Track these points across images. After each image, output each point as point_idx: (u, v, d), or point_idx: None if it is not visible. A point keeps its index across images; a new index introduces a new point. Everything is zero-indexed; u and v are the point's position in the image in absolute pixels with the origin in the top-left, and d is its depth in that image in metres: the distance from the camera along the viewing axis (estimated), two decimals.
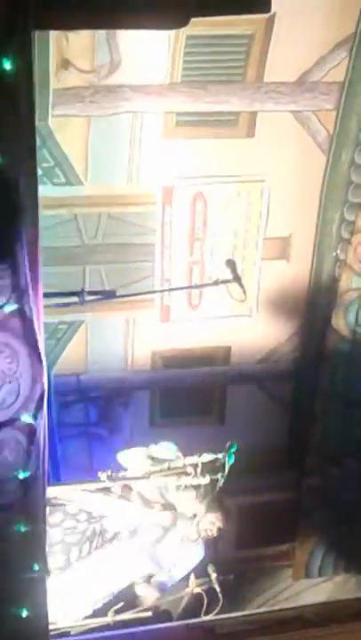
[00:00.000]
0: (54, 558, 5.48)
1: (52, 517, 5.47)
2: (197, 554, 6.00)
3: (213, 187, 6.66)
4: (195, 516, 5.75)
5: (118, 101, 6.02)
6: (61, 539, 5.63)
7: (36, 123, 3.83)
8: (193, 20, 3.87)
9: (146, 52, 5.89)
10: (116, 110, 6.05)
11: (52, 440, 6.67)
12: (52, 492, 5.32)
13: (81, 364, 7.02)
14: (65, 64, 5.83)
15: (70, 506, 5.66)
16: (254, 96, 6.34)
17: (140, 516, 5.73)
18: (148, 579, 5.85)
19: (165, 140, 6.35)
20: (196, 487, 5.74)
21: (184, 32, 5.75)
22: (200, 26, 5.66)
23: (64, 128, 6.05)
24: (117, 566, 5.74)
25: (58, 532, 5.59)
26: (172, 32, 5.70)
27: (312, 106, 6.48)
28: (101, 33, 5.67)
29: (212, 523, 5.87)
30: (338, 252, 7.09)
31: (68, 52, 5.79)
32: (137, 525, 5.74)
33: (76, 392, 7.07)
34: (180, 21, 3.97)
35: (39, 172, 4.32)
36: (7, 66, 3.45)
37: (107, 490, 5.68)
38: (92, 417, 7.25)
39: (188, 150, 6.43)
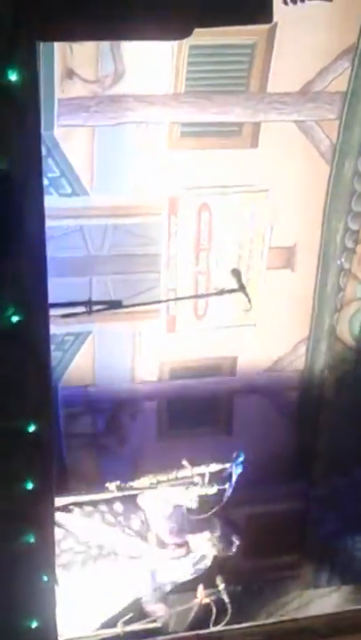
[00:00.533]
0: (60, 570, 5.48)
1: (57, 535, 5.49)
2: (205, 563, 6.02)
3: (218, 197, 6.67)
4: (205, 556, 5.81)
5: (123, 111, 6.04)
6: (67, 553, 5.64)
7: (42, 133, 3.84)
8: (196, 30, 3.89)
9: (150, 62, 5.92)
10: (121, 120, 6.07)
11: (59, 451, 6.68)
12: (59, 501, 5.32)
13: (88, 375, 7.02)
14: (69, 74, 5.86)
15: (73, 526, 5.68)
16: (258, 106, 6.36)
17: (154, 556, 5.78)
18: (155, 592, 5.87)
19: (170, 150, 6.37)
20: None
21: (187, 42, 5.78)
22: (203, 36, 5.70)
23: (69, 138, 6.07)
24: (124, 581, 5.75)
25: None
26: (176, 42, 5.73)
27: (315, 116, 6.49)
28: (105, 43, 5.70)
29: (228, 541, 5.90)
30: (342, 261, 7.09)
31: (73, 62, 5.82)
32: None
33: (83, 403, 7.07)
34: (184, 32, 3.98)
35: (45, 182, 4.35)
36: (13, 77, 3.46)
37: (121, 525, 5.71)
38: (99, 428, 7.24)
39: (193, 161, 6.45)
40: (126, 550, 5.76)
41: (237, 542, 5.95)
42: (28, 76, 3.51)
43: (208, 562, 6.02)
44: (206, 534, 5.91)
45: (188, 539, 5.92)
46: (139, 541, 5.78)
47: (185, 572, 6.00)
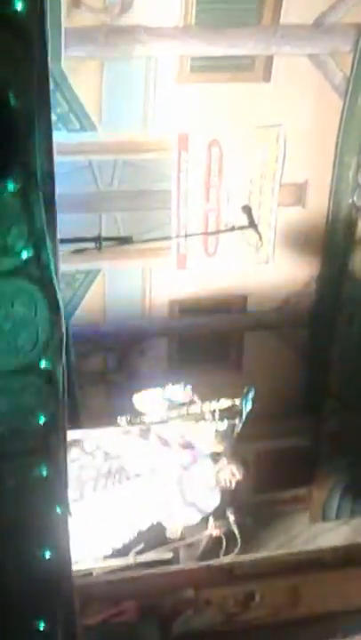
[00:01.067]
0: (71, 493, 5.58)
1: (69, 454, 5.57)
2: (215, 499, 6.09)
3: (229, 133, 6.59)
4: (214, 454, 5.83)
5: (131, 43, 5.93)
6: (77, 475, 5.71)
7: (49, 65, 3.79)
8: None
9: None
10: (130, 52, 5.98)
11: (71, 386, 6.74)
12: (71, 435, 5.39)
13: (99, 312, 7.05)
14: (76, 2, 5.74)
15: (87, 443, 5.74)
16: (270, 39, 6.24)
17: (159, 454, 5.81)
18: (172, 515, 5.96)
19: (180, 85, 6.29)
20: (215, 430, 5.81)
21: None
22: None
23: (77, 71, 5.99)
24: (138, 504, 5.84)
25: (74, 467, 5.66)
26: None
27: (329, 48, 6.37)
28: None
29: (231, 474, 5.95)
30: (354, 198, 7.02)
31: None
32: (156, 464, 5.81)
33: (94, 341, 7.12)
34: None
35: (53, 117, 4.29)
36: (18, 6, 3.39)
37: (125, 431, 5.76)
38: (110, 365, 7.30)
39: (203, 96, 6.36)
40: (131, 453, 5.80)
41: (239, 477, 5.99)
42: (34, 5, 3.44)
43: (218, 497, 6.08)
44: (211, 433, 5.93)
45: (192, 439, 5.95)
46: (141, 441, 5.83)
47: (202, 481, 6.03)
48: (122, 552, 5.89)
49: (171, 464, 5.82)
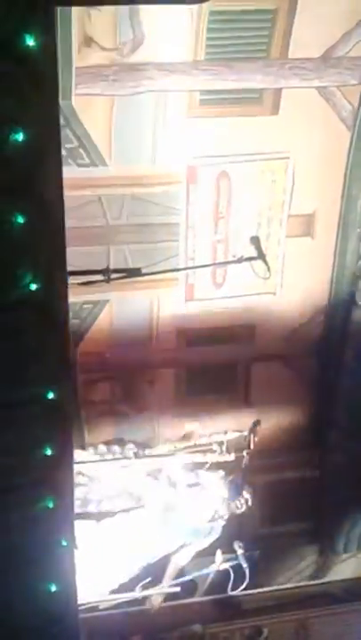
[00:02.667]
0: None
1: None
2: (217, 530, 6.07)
3: (238, 165, 6.63)
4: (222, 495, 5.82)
5: (141, 80, 5.99)
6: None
7: (60, 102, 3.83)
8: None
9: (169, 28, 5.86)
10: (140, 89, 6.04)
11: (77, 417, 6.74)
12: (79, 467, 5.38)
13: (106, 342, 7.05)
14: (88, 41, 5.81)
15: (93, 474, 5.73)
16: (279, 73, 6.29)
17: (166, 493, 5.80)
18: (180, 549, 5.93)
19: (189, 118, 6.33)
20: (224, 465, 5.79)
21: (207, 7, 5.71)
22: (223, 1, 5.63)
23: (88, 108, 6.05)
24: (143, 537, 5.82)
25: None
26: (195, 8, 5.66)
27: (337, 81, 6.42)
28: (124, 10, 5.65)
29: (242, 499, 5.93)
30: None
31: (91, 30, 5.77)
32: (161, 498, 5.81)
33: (101, 370, 7.11)
34: None
35: (63, 152, 4.33)
36: (30, 42, 3.43)
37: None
38: (117, 395, 7.29)
39: (212, 129, 6.40)
40: (139, 490, 5.79)
41: (248, 496, 5.98)
42: (46, 42, 3.47)
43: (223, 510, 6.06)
44: (219, 473, 5.92)
45: (200, 476, 5.94)
46: (150, 480, 5.81)
47: (202, 518, 6.02)
48: (128, 586, 5.85)
49: (176, 500, 5.81)
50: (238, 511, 6.05)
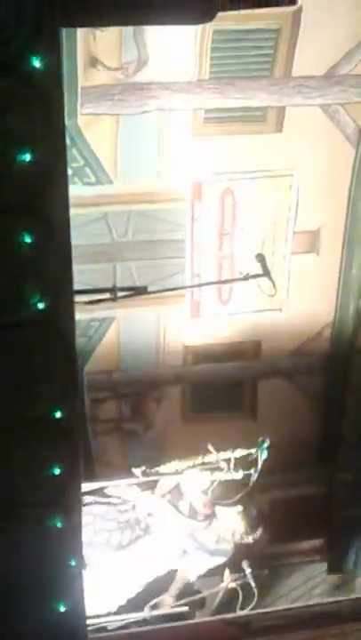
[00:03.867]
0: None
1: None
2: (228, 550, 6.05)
3: (242, 182, 6.65)
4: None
5: (146, 99, 6.04)
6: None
7: (65, 121, 3.85)
8: (220, 14, 3.86)
9: (173, 48, 5.91)
10: (144, 108, 6.08)
11: (85, 436, 6.72)
12: (86, 486, 5.36)
13: (113, 360, 7.05)
14: (93, 62, 5.86)
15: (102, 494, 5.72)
16: (282, 91, 6.32)
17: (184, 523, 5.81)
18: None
19: (194, 136, 6.37)
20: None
21: (211, 27, 5.76)
22: (227, 20, 5.66)
23: (93, 127, 6.09)
24: (153, 555, 5.80)
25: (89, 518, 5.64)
26: (199, 27, 5.70)
27: (340, 99, 6.45)
28: (128, 30, 5.69)
29: (247, 532, 5.92)
30: None
31: (96, 50, 5.82)
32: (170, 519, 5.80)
33: (108, 388, 7.11)
34: (207, 16, 3.95)
35: (69, 171, 4.35)
36: (36, 64, 3.46)
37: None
38: (124, 413, 7.28)
39: (216, 146, 6.44)
40: (159, 517, 5.79)
41: (261, 528, 5.97)
42: (51, 64, 3.50)
43: (235, 538, 6.05)
44: (236, 508, 5.92)
45: (217, 510, 5.94)
46: (172, 509, 5.81)
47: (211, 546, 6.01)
48: (136, 606, 5.82)
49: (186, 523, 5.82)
50: (249, 540, 6.03)
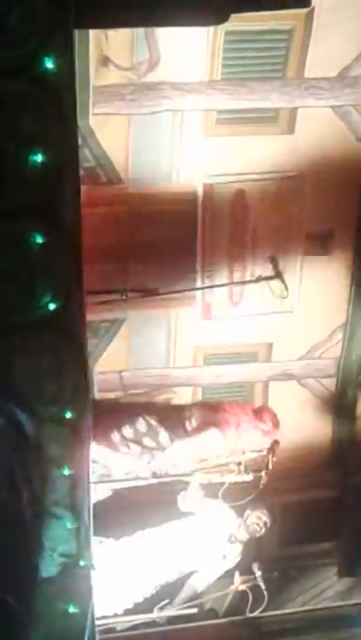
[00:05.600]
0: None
1: None
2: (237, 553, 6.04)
3: (254, 183, 6.64)
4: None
5: (158, 99, 6.03)
6: None
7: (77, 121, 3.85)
8: (233, 15, 3.86)
9: (185, 48, 5.90)
10: (156, 108, 6.07)
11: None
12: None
13: (123, 361, 7.05)
14: (104, 61, 5.86)
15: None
16: (295, 92, 6.31)
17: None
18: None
19: (206, 137, 6.36)
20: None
21: (223, 28, 5.74)
22: (239, 21, 5.65)
23: (105, 127, 6.08)
24: (162, 558, 5.80)
25: None
26: (211, 28, 5.69)
27: (353, 100, 6.43)
28: (140, 30, 5.69)
29: (258, 518, 5.91)
30: None
31: (108, 50, 5.82)
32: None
33: (119, 389, 7.11)
34: (220, 17, 3.96)
35: (80, 172, 4.36)
36: (49, 65, 3.47)
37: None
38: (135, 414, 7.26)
39: (228, 147, 6.42)
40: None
41: (267, 521, 5.97)
42: (64, 65, 3.52)
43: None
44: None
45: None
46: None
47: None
48: (146, 607, 5.82)
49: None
50: (258, 534, 6.02)
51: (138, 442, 5.72)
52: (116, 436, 5.71)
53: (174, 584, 6.04)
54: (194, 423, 5.87)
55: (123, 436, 5.72)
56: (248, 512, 5.94)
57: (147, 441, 5.73)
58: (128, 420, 5.79)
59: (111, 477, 5.57)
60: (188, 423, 5.87)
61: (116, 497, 5.76)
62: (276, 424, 5.98)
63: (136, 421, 5.77)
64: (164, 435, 5.76)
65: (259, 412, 6.03)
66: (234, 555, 6.08)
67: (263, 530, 6.04)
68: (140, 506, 6.21)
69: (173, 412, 6.06)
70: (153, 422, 5.80)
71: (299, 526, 7.37)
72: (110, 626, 5.72)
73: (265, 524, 5.92)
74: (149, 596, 5.93)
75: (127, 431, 5.74)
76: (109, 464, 5.62)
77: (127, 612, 5.84)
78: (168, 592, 6.08)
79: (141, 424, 5.77)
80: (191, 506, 5.92)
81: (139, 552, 5.89)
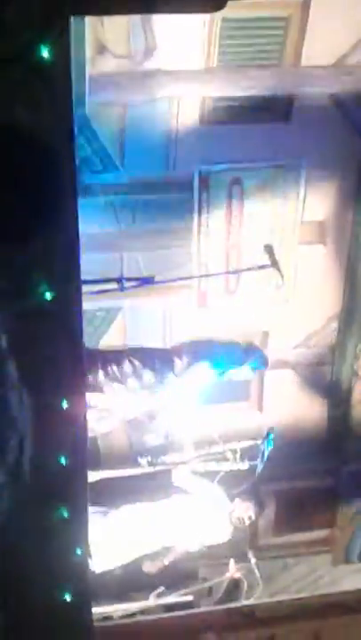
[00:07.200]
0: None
1: None
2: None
3: (250, 171, 6.62)
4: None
5: (154, 87, 6.01)
6: None
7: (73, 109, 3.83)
8: (229, 2, 3.83)
9: (181, 36, 5.87)
10: (153, 96, 6.05)
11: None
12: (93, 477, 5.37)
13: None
14: (101, 49, 5.83)
15: None
16: (291, 80, 6.28)
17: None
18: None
19: (202, 125, 6.34)
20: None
21: (220, 15, 5.72)
22: (236, 8, 5.62)
23: (101, 115, 6.06)
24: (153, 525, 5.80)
25: None
26: (208, 15, 5.66)
27: (350, 88, 6.40)
28: (136, 17, 5.66)
29: (245, 511, 5.91)
30: None
31: (104, 37, 5.79)
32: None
33: None
34: (217, 4, 3.92)
35: (76, 160, 4.34)
36: (45, 53, 3.44)
37: None
38: None
39: (224, 135, 6.40)
40: None
41: (252, 515, 5.97)
42: (60, 53, 3.48)
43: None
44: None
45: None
46: None
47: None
48: (142, 595, 5.84)
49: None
50: (241, 525, 6.00)
51: (122, 381, 5.62)
52: (100, 375, 5.61)
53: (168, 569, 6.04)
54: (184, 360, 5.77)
55: (107, 375, 5.62)
56: (237, 501, 5.91)
57: (132, 382, 5.64)
58: (114, 360, 5.68)
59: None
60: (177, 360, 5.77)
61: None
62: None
63: (122, 362, 5.67)
64: (149, 374, 5.66)
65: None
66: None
67: (246, 524, 6.01)
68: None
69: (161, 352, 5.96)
70: (137, 363, 5.69)
71: (294, 514, 7.40)
72: (107, 614, 5.74)
73: (249, 517, 5.90)
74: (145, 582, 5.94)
75: (112, 370, 5.64)
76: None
77: (123, 599, 5.87)
78: (163, 578, 6.10)
79: (127, 365, 5.66)
80: (185, 482, 5.89)
81: (127, 524, 5.86)
